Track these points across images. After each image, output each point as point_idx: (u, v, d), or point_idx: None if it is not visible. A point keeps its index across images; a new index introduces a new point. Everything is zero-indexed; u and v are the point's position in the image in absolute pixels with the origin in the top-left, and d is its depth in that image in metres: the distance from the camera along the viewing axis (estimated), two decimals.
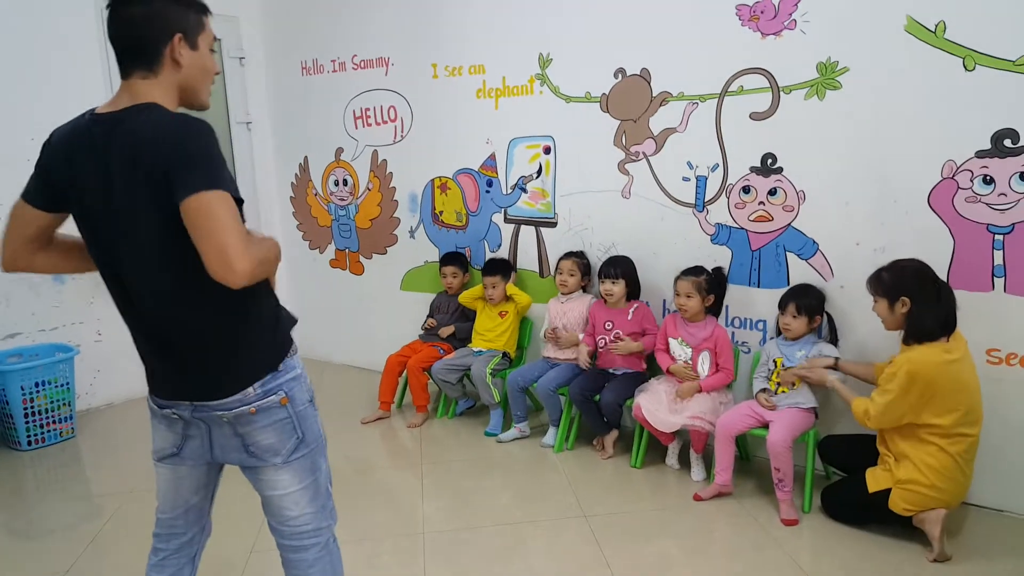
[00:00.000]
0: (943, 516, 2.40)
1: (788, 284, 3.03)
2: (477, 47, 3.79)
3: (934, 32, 2.58)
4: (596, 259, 3.53)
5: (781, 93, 2.93)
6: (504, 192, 3.87)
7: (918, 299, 2.41)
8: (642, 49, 3.27)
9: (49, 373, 3.58)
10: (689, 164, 3.22)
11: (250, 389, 1.46)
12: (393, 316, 4.41)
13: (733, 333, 3.21)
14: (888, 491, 2.46)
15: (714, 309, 3.13)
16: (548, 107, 3.60)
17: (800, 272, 3.01)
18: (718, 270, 3.13)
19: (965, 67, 2.54)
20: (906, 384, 2.34)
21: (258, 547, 2.56)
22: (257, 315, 1.49)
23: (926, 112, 2.64)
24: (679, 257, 3.26)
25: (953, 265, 2.66)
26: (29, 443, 3.53)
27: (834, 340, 2.90)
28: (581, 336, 3.42)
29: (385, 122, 4.24)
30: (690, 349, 3.09)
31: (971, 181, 2.60)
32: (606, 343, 3.32)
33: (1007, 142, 2.51)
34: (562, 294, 3.54)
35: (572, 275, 3.48)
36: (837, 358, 2.78)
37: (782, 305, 2.91)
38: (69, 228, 1.50)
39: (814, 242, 2.97)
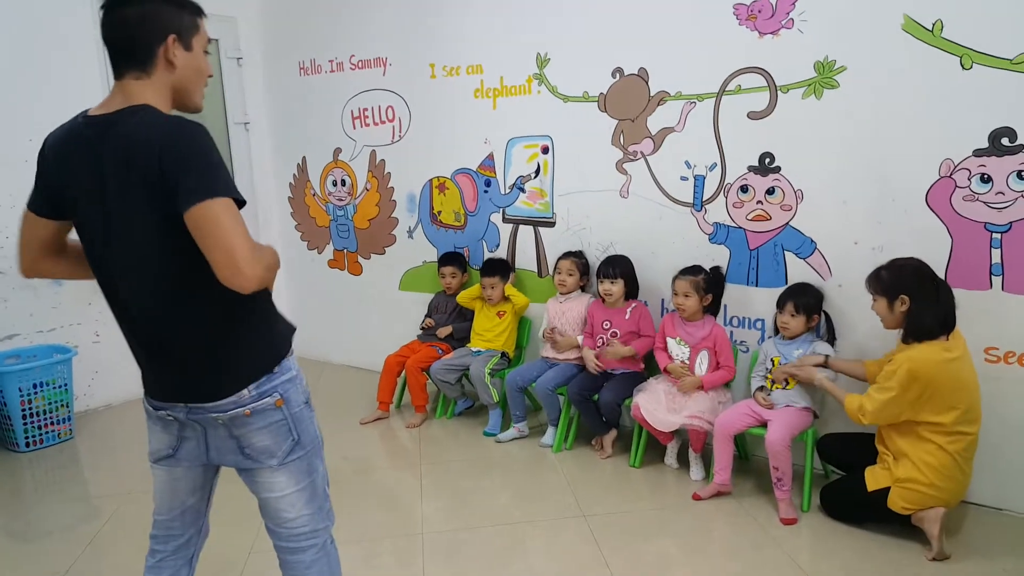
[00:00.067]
0: (942, 515, 2.40)
1: (786, 283, 3.02)
2: (474, 47, 3.79)
3: (931, 31, 2.58)
4: (594, 258, 3.53)
5: (779, 92, 2.93)
6: (502, 192, 3.87)
7: (917, 297, 2.41)
8: (640, 49, 3.26)
9: (47, 374, 3.57)
10: (687, 163, 3.22)
11: (245, 391, 1.46)
12: (391, 316, 4.41)
13: (731, 332, 3.21)
14: (887, 490, 2.46)
15: (712, 308, 3.13)
16: (546, 107, 3.60)
17: (798, 271, 3.01)
18: (716, 269, 3.13)
19: (963, 66, 2.54)
20: (906, 382, 2.34)
21: (257, 548, 2.56)
22: (252, 317, 1.48)
23: (924, 111, 2.64)
24: (677, 256, 3.26)
25: (951, 264, 2.66)
26: (27, 444, 3.53)
27: (832, 339, 2.90)
28: (580, 339, 3.42)
29: (383, 122, 4.23)
30: (688, 348, 3.09)
31: (969, 180, 2.60)
32: (603, 343, 3.32)
33: (1005, 140, 2.51)
34: (560, 294, 3.54)
35: (571, 275, 3.48)
36: (827, 356, 2.78)
37: (780, 304, 2.91)
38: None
39: (812, 241, 2.97)
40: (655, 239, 3.36)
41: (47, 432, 3.59)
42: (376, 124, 4.26)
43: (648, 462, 3.19)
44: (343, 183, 4.51)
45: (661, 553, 2.52)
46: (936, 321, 2.39)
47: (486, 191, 3.93)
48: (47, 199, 1.45)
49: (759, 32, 2.94)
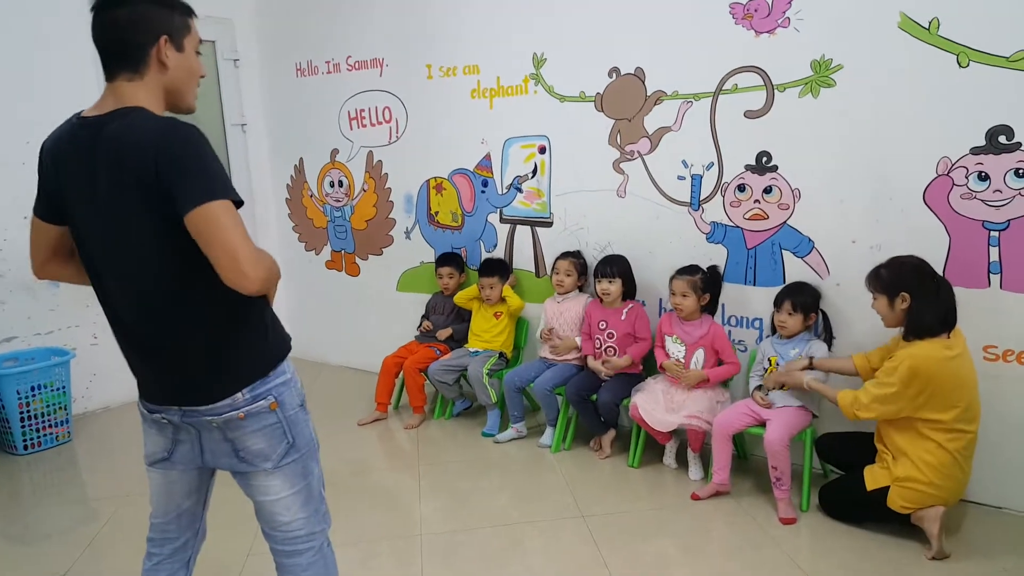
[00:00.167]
0: (941, 514, 2.39)
1: (784, 282, 3.02)
2: (471, 47, 3.78)
3: (928, 29, 2.58)
4: (592, 258, 3.53)
5: (775, 91, 2.93)
6: (499, 192, 3.86)
7: (918, 295, 2.41)
8: (636, 48, 3.26)
9: (45, 377, 3.57)
10: (684, 163, 3.22)
11: (239, 394, 1.45)
12: (389, 317, 4.40)
13: (729, 332, 3.20)
14: (886, 489, 2.46)
15: (710, 308, 3.12)
16: (543, 107, 3.59)
17: (796, 270, 3.01)
18: (713, 268, 3.12)
19: (959, 64, 2.54)
20: (907, 378, 2.33)
21: (255, 550, 2.55)
22: (247, 320, 1.48)
23: (921, 109, 2.63)
24: (675, 256, 3.25)
25: (949, 262, 2.65)
26: (25, 447, 3.53)
27: (829, 338, 2.89)
28: (578, 340, 3.41)
29: (380, 123, 4.23)
30: (684, 347, 3.08)
31: (966, 178, 2.59)
32: (600, 344, 3.31)
33: (1002, 138, 2.51)
34: (558, 294, 3.54)
35: (569, 275, 3.47)
36: (811, 357, 2.76)
37: (777, 303, 2.91)
38: None
39: (810, 240, 2.96)
40: (652, 239, 3.36)
41: (45, 435, 3.59)
42: (373, 125, 4.26)
43: (647, 462, 3.18)
44: (340, 184, 4.51)
45: (660, 553, 2.52)
46: (937, 318, 2.39)
47: (483, 191, 3.93)
48: (48, 203, 1.45)
49: (755, 31, 2.93)
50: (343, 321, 4.72)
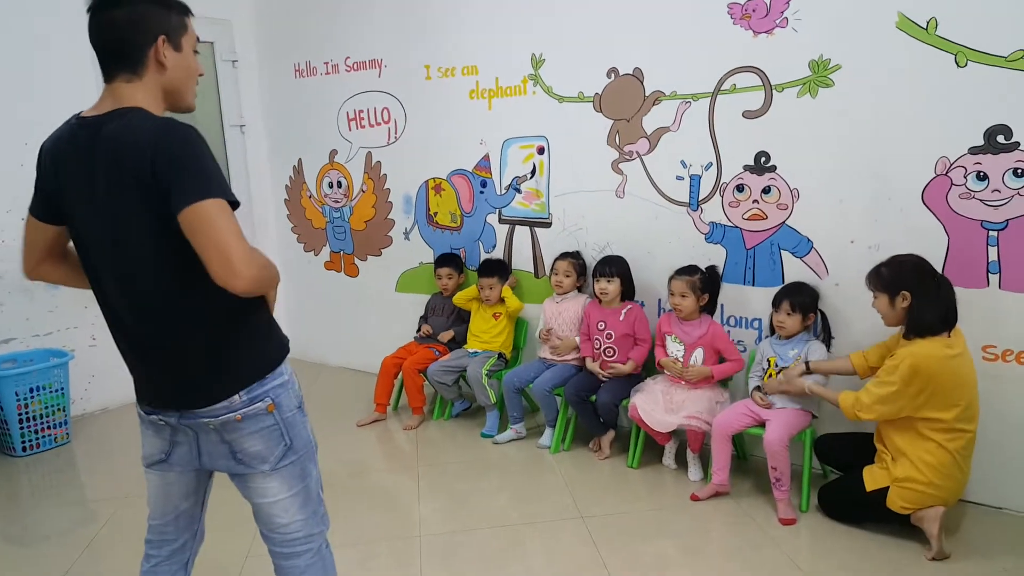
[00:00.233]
0: (941, 514, 2.39)
1: (783, 282, 3.02)
2: (469, 48, 3.78)
3: (926, 29, 2.58)
4: (591, 259, 3.53)
5: (774, 91, 2.93)
6: (498, 193, 3.86)
7: (918, 293, 2.40)
8: (634, 48, 3.26)
9: (44, 378, 3.57)
10: (683, 163, 3.22)
11: (236, 396, 1.45)
12: (388, 318, 4.40)
13: (728, 332, 3.20)
14: (885, 489, 2.46)
15: (709, 308, 3.12)
16: (541, 107, 3.59)
17: (795, 270, 3.01)
18: (712, 269, 3.12)
19: (957, 63, 2.54)
20: (908, 377, 2.33)
21: (253, 552, 2.55)
22: (246, 322, 1.48)
23: (919, 109, 2.63)
24: (674, 256, 3.25)
25: (948, 262, 2.65)
26: (24, 449, 3.52)
27: (828, 338, 2.89)
28: (577, 339, 3.41)
29: (379, 124, 4.23)
30: (683, 347, 3.08)
31: (965, 177, 2.59)
32: (600, 345, 3.31)
33: (1000, 138, 2.51)
34: (557, 294, 3.53)
35: (568, 276, 3.47)
36: (808, 362, 2.76)
37: (776, 303, 2.91)
38: None
39: (808, 240, 2.96)
40: (651, 239, 3.36)
41: (44, 436, 3.58)
42: (372, 126, 4.26)
43: (646, 463, 3.18)
44: (339, 185, 4.51)
45: (659, 554, 2.52)
46: (938, 316, 2.38)
47: (482, 192, 3.92)
48: (46, 203, 1.45)
49: (754, 31, 2.93)
50: (342, 322, 4.72)
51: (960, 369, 2.38)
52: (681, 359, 3.08)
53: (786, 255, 3.03)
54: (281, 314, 4.50)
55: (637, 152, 3.34)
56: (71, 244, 1.52)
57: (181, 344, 1.43)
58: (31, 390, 3.51)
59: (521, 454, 3.39)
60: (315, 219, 4.69)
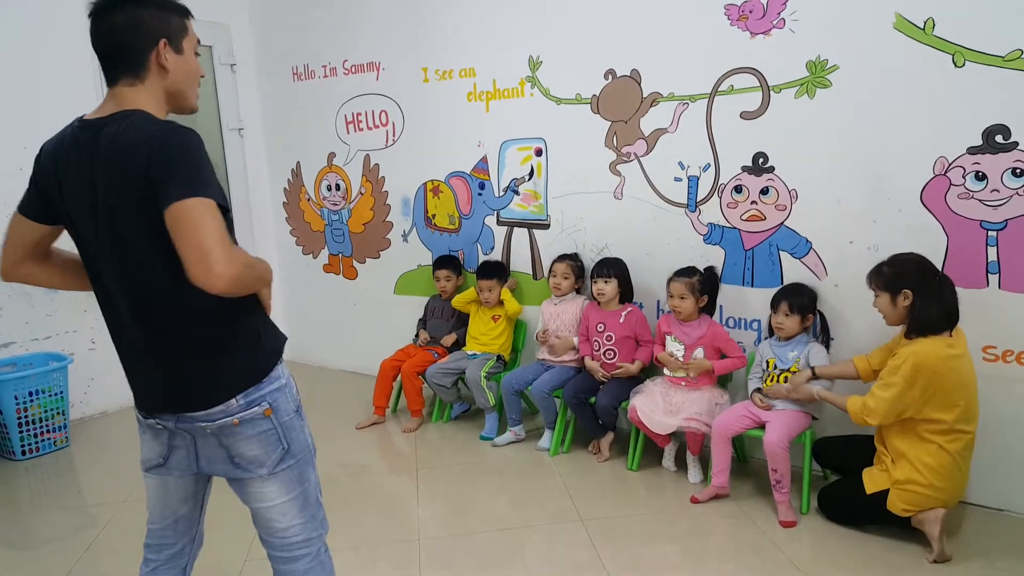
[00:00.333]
0: (942, 516, 2.38)
1: (781, 284, 3.01)
2: (467, 50, 3.78)
3: (923, 29, 2.57)
4: (589, 260, 3.52)
5: (771, 92, 2.93)
6: (496, 195, 3.86)
7: (920, 291, 2.40)
8: (632, 50, 3.26)
9: (43, 382, 3.56)
10: (681, 164, 3.21)
11: (233, 400, 1.44)
12: (387, 320, 4.40)
13: (728, 333, 3.19)
14: (885, 491, 2.45)
15: (708, 309, 3.11)
16: (539, 109, 3.59)
17: (793, 271, 3.00)
18: (710, 270, 3.11)
19: (955, 64, 2.54)
20: (911, 376, 2.32)
21: (252, 556, 2.54)
22: (242, 326, 1.47)
23: (917, 109, 2.63)
24: (672, 257, 3.25)
25: (947, 262, 2.65)
26: (23, 453, 3.52)
27: (827, 339, 2.89)
28: (575, 340, 3.40)
29: (377, 126, 4.23)
30: (683, 347, 3.08)
31: (963, 177, 2.59)
32: (599, 347, 3.31)
33: (998, 138, 2.51)
34: (555, 296, 3.53)
35: (566, 278, 3.47)
36: (812, 368, 2.75)
37: (774, 304, 2.90)
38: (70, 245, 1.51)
39: (807, 241, 2.96)
40: (650, 240, 3.35)
41: (43, 440, 3.58)
42: (370, 128, 4.26)
43: (645, 465, 3.17)
44: (337, 188, 4.51)
45: (659, 557, 2.51)
46: (940, 315, 2.37)
47: (480, 194, 3.92)
48: (41, 202, 1.44)
49: (751, 32, 2.93)
50: (341, 324, 4.71)
51: (961, 369, 2.37)
52: (681, 358, 3.07)
53: (785, 256, 3.03)
54: (279, 317, 4.51)
55: (635, 153, 3.33)
56: (56, 245, 1.51)
57: (179, 345, 1.43)
58: (30, 394, 3.51)
59: (520, 456, 3.38)
60: (313, 222, 4.69)
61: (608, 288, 3.26)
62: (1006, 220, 2.54)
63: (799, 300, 2.85)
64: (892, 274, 2.47)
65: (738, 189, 3.09)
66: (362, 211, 4.43)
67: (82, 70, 3.80)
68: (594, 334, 3.33)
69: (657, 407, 3.00)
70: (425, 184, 4.13)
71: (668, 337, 3.14)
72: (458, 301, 3.81)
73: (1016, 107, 2.46)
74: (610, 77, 3.35)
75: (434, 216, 4.14)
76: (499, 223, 3.89)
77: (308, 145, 4.57)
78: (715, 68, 3.04)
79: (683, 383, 3.07)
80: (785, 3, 2.83)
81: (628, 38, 3.26)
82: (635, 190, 3.36)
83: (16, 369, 3.59)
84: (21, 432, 3.49)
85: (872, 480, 2.50)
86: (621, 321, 3.27)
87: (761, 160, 3.00)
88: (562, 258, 3.51)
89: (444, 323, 3.95)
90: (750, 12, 2.92)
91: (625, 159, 3.37)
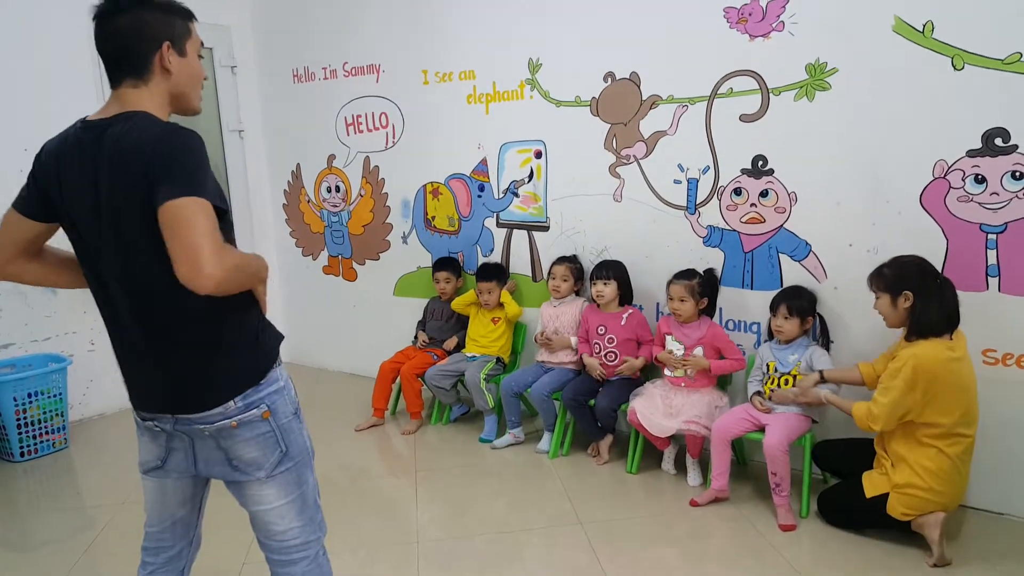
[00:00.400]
0: (942, 520, 2.37)
1: (781, 286, 3.01)
2: (467, 53, 3.78)
3: (922, 32, 2.57)
4: (588, 262, 3.52)
5: (771, 95, 2.93)
6: (496, 197, 3.86)
7: (921, 293, 2.39)
8: (631, 52, 3.26)
9: (42, 384, 3.56)
10: (680, 167, 3.21)
11: (231, 403, 1.44)
12: (387, 322, 4.39)
13: (727, 335, 3.19)
14: (885, 495, 2.44)
15: (708, 312, 3.11)
16: (538, 112, 3.59)
17: (793, 274, 3.00)
18: (710, 272, 3.11)
19: (954, 66, 2.54)
20: (912, 379, 2.31)
21: (250, 559, 2.54)
22: (239, 328, 1.47)
23: (916, 112, 2.63)
24: (672, 260, 3.24)
25: (947, 265, 2.65)
26: (22, 454, 3.51)
27: (826, 342, 2.88)
28: (574, 340, 3.40)
29: (377, 128, 4.23)
30: (683, 347, 3.07)
31: (963, 180, 2.59)
32: (600, 349, 3.30)
33: (998, 141, 2.51)
34: (555, 298, 3.53)
35: (565, 280, 3.47)
36: (821, 371, 2.74)
37: (774, 307, 2.90)
38: (65, 243, 1.50)
39: (807, 244, 2.96)
40: (649, 243, 3.35)
41: (42, 442, 3.58)
42: (370, 130, 4.26)
43: (645, 468, 3.17)
44: (337, 189, 4.51)
45: (658, 560, 2.50)
46: (940, 317, 2.37)
47: (480, 196, 3.92)
48: (40, 201, 1.44)
49: (750, 35, 2.93)
50: (340, 326, 4.71)
51: (961, 372, 2.37)
52: (680, 357, 3.07)
53: (784, 258, 3.02)
54: (279, 318, 4.50)
55: (634, 156, 3.33)
56: (48, 244, 1.51)
57: (175, 347, 1.43)
58: (29, 395, 3.51)
59: (519, 459, 3.38)
60: (313, 224, 4.69)
61: (607, 290, 3.26)
62: (1006, 223, 2.54)
63: (799, 303, 2.85)
64: (893, 276, 2.46)
65: (737, 191, 3.09)
66: (362, 213, 4.43)
67: (83, 72, 3.81)
68: (595, 336, 3.33)
69: (657, 410, 2.99)
70: (425, 186, 4.13)
71: (668, 337, 3.14)
72: (458, 303, 3.80)
73: (1015, 110, 2.46)
74: (609, 79, 3.35)
75: (434, 218, 4.14)
76: (499, 225, 3.89)
77: (308, 147, 4.57)
78: (714, 71, 3.04)
79: (683, 384, 3.06)
80: (784, 6, 2.83)
81: (628, 41, 3.26)
82: (634, 192, 3.36)
83: (15, 370, 3.59)
84: (20, 433, 3.49)
85: (872, 484, 2.49)
86: (623, 323, 3.27)
87: (760, 162, 3.00)
88: (561, 260, 3.51)
89: (443, 325, 3.95)
90: (749, 15, 2.92)
91: (624, 161, 3.37)
